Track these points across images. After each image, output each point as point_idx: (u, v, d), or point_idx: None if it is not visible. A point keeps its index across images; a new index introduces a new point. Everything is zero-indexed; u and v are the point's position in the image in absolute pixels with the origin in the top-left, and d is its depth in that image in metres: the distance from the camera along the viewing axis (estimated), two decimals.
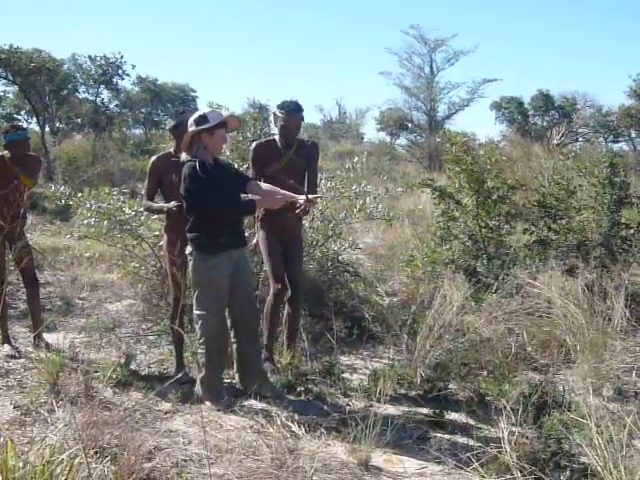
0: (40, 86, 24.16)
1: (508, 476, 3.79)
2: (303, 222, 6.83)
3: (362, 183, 7.85)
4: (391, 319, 6.03)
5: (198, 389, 5.13)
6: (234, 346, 5.30)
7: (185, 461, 4.07)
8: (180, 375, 5.37)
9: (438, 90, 34.05)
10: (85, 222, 7.18)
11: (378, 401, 4.81)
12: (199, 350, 5.11)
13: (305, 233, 7.41)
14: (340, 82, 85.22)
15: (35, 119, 24.72)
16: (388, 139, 40.12)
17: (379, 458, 4.23)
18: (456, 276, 6.85)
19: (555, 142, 18.66)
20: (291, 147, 5.77)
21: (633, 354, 5.95)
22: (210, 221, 4.93)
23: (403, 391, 5.28)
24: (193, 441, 4.37)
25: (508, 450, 3.81)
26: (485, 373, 5.49)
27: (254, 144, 5.93)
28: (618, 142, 33.72)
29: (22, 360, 5.96)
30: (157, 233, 6.98)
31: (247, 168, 6.16)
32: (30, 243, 6.69)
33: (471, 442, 4.40)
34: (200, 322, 5.03)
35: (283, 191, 5.13)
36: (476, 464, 3.83)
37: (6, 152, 6.13)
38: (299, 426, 4.59)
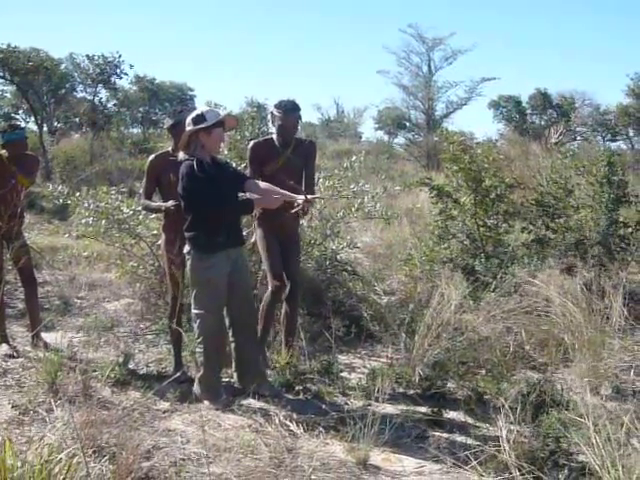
0: (38, 85, 24.19)
1: (506, 475, 3.79)
2: (301, 221, 6.84)
3: (360, 182, 7.85)
4: (389, 318, 6.02)
5: (196, 388, 5.13)
6: (232, 345, 5.30)
7: (183, 460, 4.07)
8: (178, 374, 5.35)
9: (436, 89, 34.05)
10: (83, 221, 7.18)
11: (376, 400, 4.81)
12: (197, 349, 5.12)
13: (303, 232, 7.41)
14: (338, 81, 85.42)
15: (33, 118, 24.75)
16: (386, 138, 40.21)
17: (377, 457, 4.23)
18: (454, 275, 6.84)
19: (553, 141, 18.70)
20: (289, 146, 5.77)
21: (631, 353, 5.95)
22: (208, 220, 4.93)
23: (401, 390, 5.29)
24: (191, 440, 4.37)
25: (506, 449, 3.81)
26: (483, 372, 5.50)
27: (252, 143, 5.93)
28: (616, 141, 33.83)
29: (20, 359, 5.96)
30: (155, 232, 6.98)
31: (245, 167, 6.16)
32: (28, 242, 6.69)
33: (469, 441, 4.41)
34: (198, 321, 5.03)
35: (281, 190, 5.13)
36: (474, 463, 3.83)
37: (4, 151, 6.12)
38: (297, 425, 4.59)
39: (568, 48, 74.75)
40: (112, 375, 5.30)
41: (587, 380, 5.19)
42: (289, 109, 5.70)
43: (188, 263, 5.08)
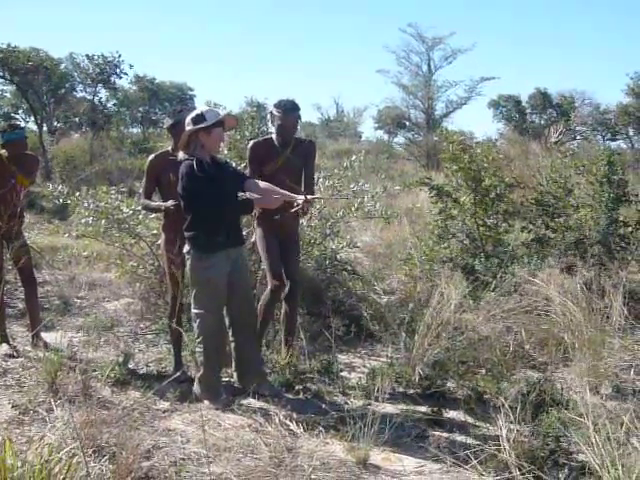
0: (37, 85, 24.19)
1: (506, 474, 3.80)
2: (301, 221, 6.84)
3: (360, 181, 7.85)
4: (389, 317, 6.02)
5: (196, 388, 5.13)
6: (232, 345, 5.30)
7: (183, 460, 4.07)
8: (178, 374, 5.35)
9: (436, 88, 34.07)
10: (83, 221, 7.18)
11: (376, 399, 4.81)
12: (197, 349, 5.12)
13: (303, 232, 7.41)
14: (338, 80, 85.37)
15: (33, 118, 24.76)
16: (386, 137, 40.24)
17: (377, 456, 4.23)
18: (454, 274, 6.84)
19: (553, 140, 18.69)
20: (288, 146, 5.77)
21: (631, 352, 5.96)
22: (208, 220, 4.93)
23: (401, 389, 5.29)
24: (191, 440, 4.37)
25: (506, 448, 3.82)
26: (483, 371, 5.50)
27: (251, 143, 5.93)
28: (616, 140, 33.84)
29: (20, 359, 5.96)
30: (155, 232, 6.98)
31: (245, 167, 6.16)
32: (28, 242, 6.69)
33: (469, 440, 4.41)
34: (198, 321, 5.03)
35: (281, 190, 5.13)
36: (475, 462, 3.84)
37: (3, 151, 6.12)
38: (297, 425, 4.59)
39: (568, 47, 74.98)
40: (112, 375, 5.30)
41: (587, 379, 5.19)
42: (288, 109, 5.70)
43: (188, 263, 5.08)
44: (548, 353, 5.92)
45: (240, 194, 5.22)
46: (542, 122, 34.64)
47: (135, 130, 34.99)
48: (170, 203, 5.26)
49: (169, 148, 5.62)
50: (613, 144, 31.76)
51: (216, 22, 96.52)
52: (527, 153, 15.94)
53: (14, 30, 73.94)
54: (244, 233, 5.95)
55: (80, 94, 28.08)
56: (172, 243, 5.39)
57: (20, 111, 29.56)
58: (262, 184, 5.15)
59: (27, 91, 23.34)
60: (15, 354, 6.07)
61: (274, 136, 5.83)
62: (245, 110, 12.74)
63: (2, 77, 22.99)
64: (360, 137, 44.56)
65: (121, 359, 5.59)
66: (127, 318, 7.41)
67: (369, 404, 4.89)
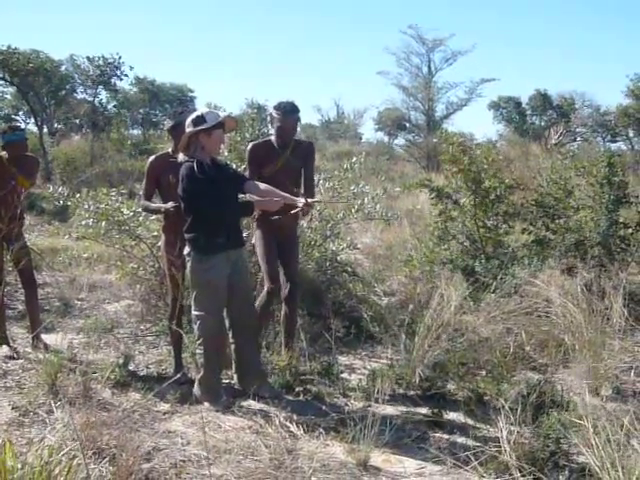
0: (38, 87, 24.19)
1: (507, 476, 3.80)
2: (301, 222, 6.85)
3: (360, 183, 7.85)
4: (389, 319, 6.02)
5: (197, 390, 5.13)
6: (232, 347, 5.30)
7: (184, 462, 4.07)
8: (179, 376, 5.35)
9: (436, 90, 34.04)
10: (83, 223, 7.17)
11: (377, 401, 4.81)
12: (197, 351, 5.12)
13: (303, 233, 7.41)
14: (338, 82, 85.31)
15: (33, 120, 24.76)
16: (386, 139, 40.23)
17: (378, 458, 4.23)
18: (454, 276, 6.85)
19: (553, 142, 18.71)
20: (287, 148, 5.77)
21: (631, 353, 5.95)
22: (208, 222, 4.93)
23: (402, 391, 5.28)
24: (192, 442, 4.37)
25: (507, 449, 3.82)
26: (483, 373, 5.50)
27: (250, 145, 5.94)
28: (616, 142, 33.81)
29: (20, 361, 5.96)
30: (155, 234, 6.97)
31: (245, 168, 6.16)
32: (28, 244, 6.69)
33: (470, 442, 4.41)
34: (198, 323, 5.04)
35: (281, 192, 5.13)
36: (475, 463, 3.83)
37: (4, 153, 6.12)
38: (298, 426, 4.59)
39: (568, 49, 75.03)
40: (112, 376, 5.30)
41: (587, 381, 5.19)
42: (288, 111, 5.70)
43: (188, 265, 5.08)
44: (548, 355, 5.92)
45: (240, 196, 5.23)
46: (542, 124, 34.64)
47: (135, 132, 34.96)
48: (170, 205, 5.26)
49: (169, 150, 5.62)
50: (613, 146, 31.80)
51: (217, 24, 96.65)
52: (527, 154, 15.97)
53: (15, 32, 74.05)
54: (244, 235, 5.95)
55: (80, 96, 28.12)
56: (172, 245, 5.39)
57: (20, 113, 29.60)
58: (262, 186, 5.15)
59: (27, 93, 23.34)
60: (15, 356, 6.07)
61: (273, 138, 5.84)
62: (245, 112, 12.77)
63: (3, 79, 22.98)
64: (360, 139, 44.57)
65: (121, 361, 5.59)
66: (127, 320, 7.41)
67: (369, 406, 4.89)
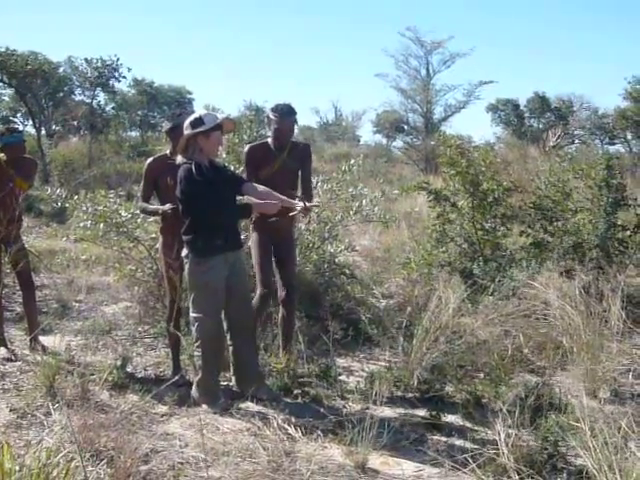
0: (36, 88, 24.16)
1: (505, 478, 3.80)
2: (300, 224, 6.85)
3: (358, 185, 7.86)
4: (387, 321, 6.03)
5: (194, 392, 5.13)
6: (230, 349, 5.30)
7: (182, 464, 4.07)
8: (177, 378, 5.36)
9: (434, 92, 34.00)
10: (81, 225, 7.17)
11: (375, 403, 4.80)
12: (195, 353, 5.11)
13: (301, 235, 7.42)
14: (336, 84, 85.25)
15: (31, 121, 24.70)
16: (384, 141, 40.26)
17: (376, 460, 4.23)
18: (452, 278, 6.86)
19: (551, 144, 18.71)
20: (284, 150, 5.77)
21: (629, 356, 5.96)
22: (206, 223, 4.93)
23: (400, 393, 5.28)
24: (190, 444, 4.37)
25: (505, 452, 3.82)
26: (481, 375, 5.50)
27: (247, 147, 5.94)
28: (614, 144, 33.84)
29: (18, 363, 5.95)
30: (154, 235, 6.97)
31: (243, 171, 6.17)
32: (26, 246, 6.69)
33: (468, 444, 4.41)
34: (196, 325, 5.03)
35: (279, 195, 5.13)
36: (473, 466, 3.83)
37: (1, 155, 6.11)
38: (296, 429, 4.59)
39: (566, 52, 75.00)
40: (110, 378, 5.30)
41: (585, 383, 5.20)
42: (285, 113, 5.71)
43: (186, 267, 5.08)
44: (546, 357, 5.92)
45: (239, 198, 5.23)
46: (540, 126, 34.66)
47: (134, 134, 34.97)
48: (168, 207, 5.26)
49: (167, 152, 5.62)
50: (611, 148, 31.82)
51: (215, 25, 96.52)
52: (525, 157, 15.96)
53: (12, 34, 74.00)
54: (242, 237, 5.95)
55: (78, 97, 28.12)
56: (170, 246, 5.39)
57: (18, 114, 29.54)
58: (260, 188, 5.15)
59: (25, 95, 23.31)
60: (13, 358, 6.07)
61: (270, 140, 5.84)
62: (244, 114, 12.77)
63: (0, 81, 22.98)
64: (359, 141, 44.55)
65: (119, 363, 5.59)
66: (125, 322, 7.40)
67: (367, 408, 4.90)
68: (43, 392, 5.01)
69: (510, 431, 4.02)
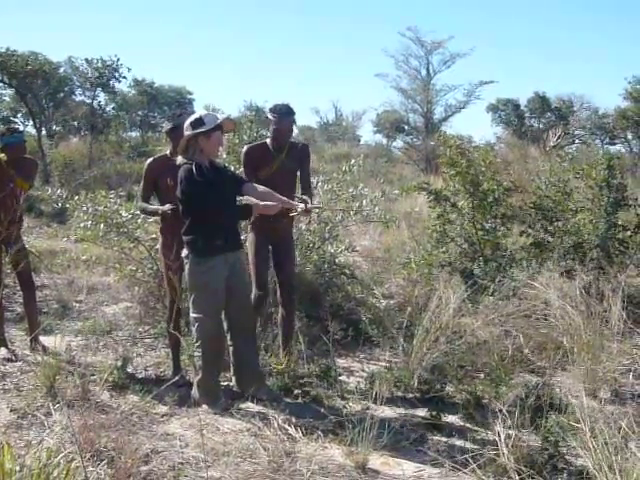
0: (36, 89, 24.15)
1: (505, 478, 3.81)
2: (300, 225, 6.85)
3: (359, 186, 7.85)
4: (388, 321, 6.03)
5: (195, 392, 5.13)
6: (231, 349, 5.30)
7: (182, 464, 4.07)
8: (177, 378, 5.37)
9: (435, 92, 34.00)
10: (82, 225, 7.17)
11: (375, 404, 4.81)
12: (196, 353, 5.11)
13: (302, 236, 7.42)
14: (337, 84, 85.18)
15: (31, 122, 24.69)
16: (385, 141, 40.21)
17: (376, 461, 4.23)
18: (453, 278, 6.85)
19: (551, 144, 18.69)
20: (283, 150, 5.78)
21: (630, 356, 5.95)
22: (206, 224, 4.94)
23: (400, 393, 5.28)
24: (190, 444, 4.37)
25: (505, 452, 3.82)
26: (482, 375, 5.50)
27: (246, 147, 5.95)
28: (614, 144, 33.83)
29: (19, 363, 5.96)
30: (154, 236, 6.98)
31: (242, 171, 6.17)
32: (27, 246, 6.69)
33: (468, 444, 4.41)
34: (197, 325, 5.03)
35: (279, 195, 5.14)
36: (473, 466, 3.83)
37: (2, 155, 6.11)
38: (296, 429, 4.59)
39: (567, 51, 74.91)
40: (110, 379, 5.30)
41: (586, 384, 5.20)
42: (284, 113, 5.72)
43: (186, 267, 5.08)
44: (547, 357, 5.91)
45: (239, 198, 5.23)
46: (541, 126, 34.64)
47: (134, 134, 34.93)
48: (167, 207, 5.27)
49: (167, 152, 5.62)
50: (612, 148, 31.82)
51: (215, 25, 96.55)
52: (526, 157, 15.96)
53: (13, 34, 73.97)
54: (242, 237, 5.96)
55: (79, 98, 28.06)
56: (169, 247, 5.39)
57: (19, 115, 29.52)
58: (261, 188, 5.16)
59: (26, 95, 23.30)
60: (14, 358, 6.07)
61: (268, 140, 5.85)
62: (244, 114, 12.77)
63: (1, 81, 22.97)
64: (359, 141, 44.52)
65: (120, 363, 5.59)
66: (126, 322, 7.40)
67: (368, 408, 4.90)
68: (43, 392, 5.01)
69: (510, 431, 4.02)
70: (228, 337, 5.26)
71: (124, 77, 25.62)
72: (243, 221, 6.15)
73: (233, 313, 5.19)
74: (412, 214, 12.42)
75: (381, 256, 10.27)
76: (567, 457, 4.12)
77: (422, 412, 4.91)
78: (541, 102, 34.77)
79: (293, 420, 4.75)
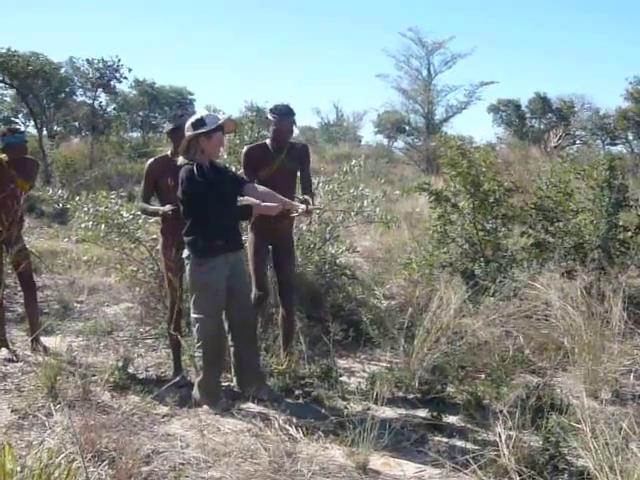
0: (37, 89, 24.17)
1: (506, 479, 3.80)
2: (301, 225, 6.85)
3: (360, 186, 7.86)
4: (389, 322, 6.02)
5: (196, 392, 5.13)
6: (231, 349, 5.30)
7: (183, 465, 4.07)
8: (178, 378, 5.37)
9: (436, 93, 34.03)
10: (83, 225, 7.17)
11: (376, 404, 4.81)
12: (196, 353, 5.12)
13: (303, 236, 7.42)
14: (337, 85, 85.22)
15: (32, 122, 24.73)
16: (386, 142, 40.20)
17: (377, 461, 4.23)
18: (453, 279, 6.85)
19: (552, 145, 18.72)
20: (282, 151, 5.79)
21: (631, 357, 5.95)
22: (207, 224, 4.94)
23: (401, 394, 5.28)
24: (191, 444, 4.37)
25: (506, 453, 3.82)
26: (483, 376, 5.50)
27: (245, 148, 5.97)
28: (615, 144, 33.80)
29: (20, 364, 5.96)
30: (155, 236, 6.98)
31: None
32: (27, 246, 6.69)
33: (469, 445, 4.41)
34: (197, 325, 5.04)
35: (279, 196, 5.14)
36: (474, 467, 3.83)
37: (3, 155, 6.12)
38: (297, 429, 4.59)
39: (567, 52, 74.80)
40: (111, 379, 5.31)
41: (586, 384, 5.19)
42: (283, 114, 5.73)
43: (187, 268, 5.08)
44: (547, 358, 5.92)
45: (240, 199, 5.23)
46: (542, 127, 34.62)
47: (135, 134, 34.95)
48: (168, 208, 5.27)
49: (168, 152, 5.63)
50: (613, 149, 31.81)
51: (215, 25, 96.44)
52: (527, 157, 15.97)
53: (13, 35, 74.04)
54: (243, 238, 5.96)
55: (80, 98, 28.11)
56: (169, 247, 5.40)
57: (20, 115, 29.59)
58: (261, 189, 5.16)
59: (27, 95, 23.31)
60: (14, 358, 6.07)
61: (268, 141, 5.87)
62: (245, 114, 12.76)
63: (2, 81, 22.96)
64: (360, 141, 44.50)
65: (120, 363, 5.59)
66: (127, 322, 7.41)
67: (368, 409, 4.90)
68: (44, 393, 5.01)
69: (511, 432, 4.02)
70: (229, 337, 5.26)
71: (125, 77, 25.62)
72: (244, 221, 6.16)
73: (234, 313, 5.19)
74: (413, 215, 12.43)
75: (382, 257, 10.27)
76: (568, 458, 4.12)
77: (423, 413, 4.91)
78: (542, 103, 34.75)
79: (294, 420, 4.75)
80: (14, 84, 22.64)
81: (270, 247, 5.90)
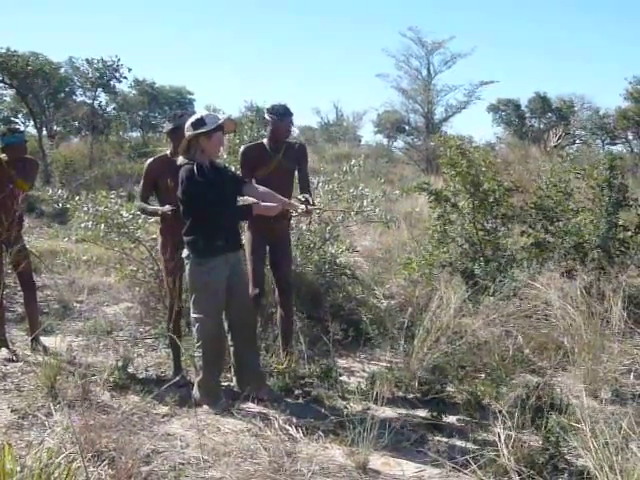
0: (37, 89, 24.19)
1: (506, 479, 3.80)
2: (301, 225, 6.85)
3: (359, 186, 7.85)
4: (388, 322, 6.03)
5: (195, 392, 5.13)
6: (231, 349, 5.30)
7: (183, 464, 4.08)
8: (178, 378, 5.37)
9: (435, 93, 33.99)
10: (82, 225, 7.16)
11: (375, 404, 4.81)
12: (196, 353, 5.12)
13: (302, 236, 7.42)
14: (337, 84, 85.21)
15: (32, 122, 24.74)
16: (385, 142, 40.23)
17: (377, 461, 4.23)
18: (453, 279, 6.86)
19: (552, 144, 18.68)
20: (279, 150, 5.80)
21: (631, 356, 5.95)
22: (207, 224, 4.94)
23: (401, 394, 5.28)
24: (191, 444, 4.37)
25: (506, 453, 3.82)
26: (482, 376, 5.49)
27: (243, 148, 5.97)
28: (615, 144, 33.83)
29: (19, 363, 5.96)
30: (154, 236, 6.97)
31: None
32: (27, 246, 6.69)
33: (469, 445, 4.41)
34: (197, 325, 5.04)
35: (279, 196, 5.14)
36: (474, 466, 3.83)
37: (3, 155, 6.12)
38: (297, 429, 4.59)
39: (567, 52, 74.88)
40: (111, 379, 5.31)
41: (586, 384, 5.19)
42: (281, 114, 5.74)
43: (186, 268, 5.08)
44: (547, 357, 5.92)
45: (239, 198, 5.23)
46: (541, 126, 34.65)
47: (135, 134, 34.97)
48: (167, 208, 5.27)
49: (167, 152, 5.62)
50: (613, 148, 31.82)
51: (215, 25, 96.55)
52: (527, 157, 15.95)
53: (13, 34, 74.02)
54: (243, 238, 5.96)
55: (80, 98, 28.16)
56: (167, 247, 5.41)
57: (20, 115, 29.57)
58: (261, 188, 5.17)
59: (26, 95, 23.32)
60: (14, 358, 6.07)
61: (265, 140, 5.87)
62: (245, 114, 12.76)
63: (2, 81, 22.99)
64: (359, 141, 44.51)
65: (120, 363, 5.59)
66: (126, 322, 7.41)
67: (368, 409, 4.90)
68: (44, 393, 5.01)
69: (511, 432, 4.02)
70: (229, 337, 5.26)
71: (125, 77, 25.71)
72: (243, 221, 6.16)
73: (234, 313, 5.19)
74: (413, 214, 12.42)
75: (382, 256, 10.26)
76: (568, 457, 4.13)
77: (423, 412, 4.91)
78: (542, 102, 34.79)
79: (294, 420, 4.75)
80: (14, 84, 22.66)
81: (267, 247, 5.91)
